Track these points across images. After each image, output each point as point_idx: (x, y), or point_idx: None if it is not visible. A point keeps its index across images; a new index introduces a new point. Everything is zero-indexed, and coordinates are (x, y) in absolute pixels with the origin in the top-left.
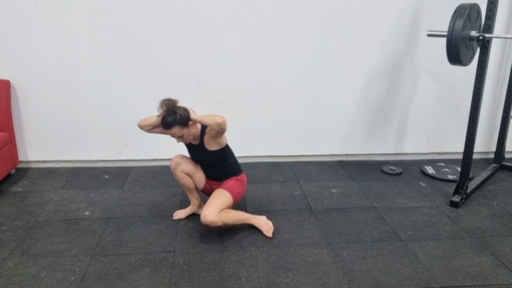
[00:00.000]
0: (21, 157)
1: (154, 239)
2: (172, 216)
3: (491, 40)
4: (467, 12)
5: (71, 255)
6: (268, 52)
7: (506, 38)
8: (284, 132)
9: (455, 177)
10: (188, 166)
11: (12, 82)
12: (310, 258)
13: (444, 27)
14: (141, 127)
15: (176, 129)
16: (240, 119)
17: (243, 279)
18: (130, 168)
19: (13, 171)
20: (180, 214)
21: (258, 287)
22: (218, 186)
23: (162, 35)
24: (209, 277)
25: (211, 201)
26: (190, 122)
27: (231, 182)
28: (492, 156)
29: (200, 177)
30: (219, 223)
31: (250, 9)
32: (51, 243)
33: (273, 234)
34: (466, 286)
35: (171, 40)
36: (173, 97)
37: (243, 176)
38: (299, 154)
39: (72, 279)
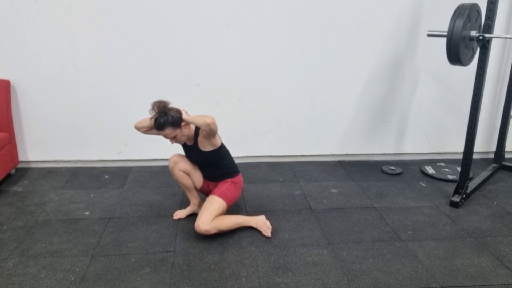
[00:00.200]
0: (21, 157)
1: (154, 239)
2: (172, 216)
3: (491, 40)
4: (467, 12)
5: (71, 255)
6: (268, 52)
7: (506, 38)
8: (284, 132)
9: (455, 177)
10: (186, 165)
11: (12, 82)
12: (310, 258)
13: (444, 27)
14: (138, 129)
15: (169, 130)
16: (240, 119)
17: (243, 279)
18: (130, 168)
19: (13, 171)
20: (180, 214)
21: (258, 287)
22: (214, 187)
23: (162, 35)
24: (209, 277)
25: (204, 210)
26: (183, 123)
27: (225, 185)
28: (492, 156)
29: (198, 176)
30: (214, 231)
31: (250, 9)
32: (51, 243)
33: (273, 234)
34: (466, 286)
35: (171, 40)
36: (165, 98)
37: (239, 178)
38: (299, 154)
39: (72, 279)
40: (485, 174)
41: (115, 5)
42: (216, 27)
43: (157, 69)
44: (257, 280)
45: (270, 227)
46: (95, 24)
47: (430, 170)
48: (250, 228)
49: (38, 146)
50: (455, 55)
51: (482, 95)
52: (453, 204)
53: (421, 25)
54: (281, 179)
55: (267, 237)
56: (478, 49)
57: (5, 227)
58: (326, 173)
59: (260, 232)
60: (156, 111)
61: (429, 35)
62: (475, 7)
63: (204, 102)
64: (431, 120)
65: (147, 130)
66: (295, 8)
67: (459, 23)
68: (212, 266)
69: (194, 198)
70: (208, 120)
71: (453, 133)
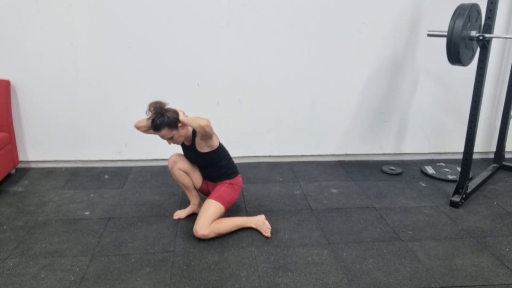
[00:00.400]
0: (21, 157)
1: (154, 239)
2: (172, 216)
3: (491, 40)
4: (467, 12)
5: (71, 255)
6: (268, 52)
7: (506, 38)
8: (284, 132)
9: (455, 177)
10: (185, 164)
11: (12, 82)
12: (310, 258)
13: (444, 27)
14: (138, 128)
15: (165, 131)
16: (240, 119)
17: (243, 279)
18: (130, 168)
19: (13, 171)
20: (180, 214)
21: (258, 287)
22: (213, 188)
23: (162, 35)
24: (209, 277)
25: (201, 214)
26: (180, 124)
27: (223, 188)
28: (492, 156)
29: (197, 176)
30: (212, 235)
31: (250, 9)
32: (51, 243)
33: (273, 234)
34: (466, 286)
35: (171, 40)
36: (163, 99)
37: (237, 179)
38: (299, 154)
39: (72, 279)
40: (485, 174)
41: (115, 5)
42: (216, 27)
43: (157, 69)
44: (257, 280)
45: (270, 227)
46: (95, 24)
47: (430, 170)
48: (250, 228)
49: (38, 146)
50: (455, 55)
51: (482, 95)
52: (453, 204)
53: (421, 25)
54: (281, 179)
55: (267, 237)
56: (478, 49)
57: (5, 227)
58: (326, 173)
59: (260, 232)
60: (153, 112)
61: (429, 35)
62: (475, 7)
63: (204, 102)
64: (431, 120)
65: (146, 130)
66: (295, 8)
67: (459, 23)
68: (212, 266)
69: (194, 198)
70: (202, 123)
71: (453, 133)
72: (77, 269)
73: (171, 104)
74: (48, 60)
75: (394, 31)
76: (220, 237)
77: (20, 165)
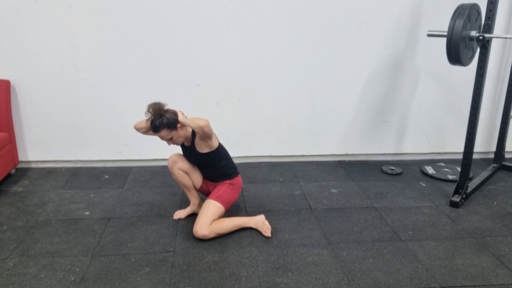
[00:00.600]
0: (21, 157)
1: (154, 239)
2: (172, 216)
3: (491, 40)
4: (467, 12)
5: (71, 255)
6: (268, 52)
7: (506, 38)
8: (284, 132)
9: (455, 177)
10: (185, 164)
11: (12, 82)
12: (310, 258)
13: (444, 27)
14: (137, 129)
15: (164, 132)
16: (240, 119)
17: (243, 279)
18: (130, 168)
19: (13, 171)
20: (180, 214)
21: (258, 287)
22: (214, 188)
23: (162, 35)
24: (209, 277)
25: (201, 214)
26: (179, 125)
27: (223, 188)
28: (492, 156)
29: (197, 175)
30: (212, 235)
31: (250, 9)
32: (51, 243)
33: (273, 234)
34: (466, 286)
35: (171, 40)
36: (162, 99)
37: (237, 180)
38: (299, 154)
39: (72, 279)
40: (485, 174)
41: (115, 5)
42: (216, 27)
43: (157, 69)
44: (257, 280)
45: (270, 227)
46: (95, 24)
47: (430, 170)
48: (250, 228)
49: (38, 146)
50: (455, 55)
51: (482, 95)
52: (453, 204)
53: (421, 25)
54: (281, 179)
55: (267, 237)
56: (478, 49)
57: (5, 227)
58: (326, 173)
59: (260, 232)
60: (152, 113)
61: (429, 35)
62: (475, 7)
63: (204, 102)
64: (431, 120)
65: (146, 131)
66: (295, 8)
67: (459, 23)
68: (212, 266)
69: (194, 198)
70: (201, 123)
71: (453, 133)
72: (77, 269)
73: (170, 105)
74: (48, 60)
75: (394, 31)
76: (220, 237)
77: (20, 165)
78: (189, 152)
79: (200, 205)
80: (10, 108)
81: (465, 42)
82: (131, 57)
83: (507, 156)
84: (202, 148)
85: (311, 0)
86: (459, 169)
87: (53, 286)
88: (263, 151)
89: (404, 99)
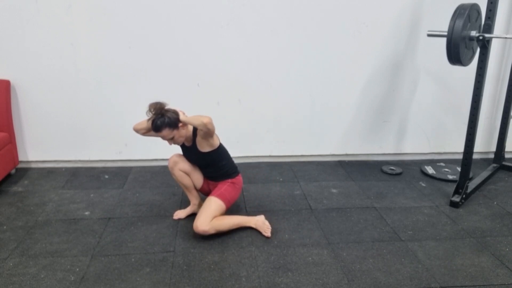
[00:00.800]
0: (21, 157)
1: (154, 239)
2: (172, 216)
3: (491, 40)
4: (467, 12)
5: (71, 255)
6: (268, 52)
7: (506, 38)
8: (284, 132)
9: (455, 177)
10: (186, 165)
11: (12, 82)
12: (310, 258)
13: (444, 27)
14: (137, 130)
15: (166, 132)
16: (240, 119)
17: (243, 279)
18: (130, 168)
19: (13, 171)
20: (180, 214)
21: (258, 287)
22: (214, 187)
23: (162, 35)
24: (209, 277)
25: (202, 210)
26: (180, 124)
27: (224, 186)
28: (492, 156)
29: (198, 176)
30: (212, 231)
31: (250, 9)
32: (51, 243)
33: (273, 234)
34: (466, 286)
35: (171, 40)
36: (163, 99)
37: (238, 179)
38: (299, 154)
39: (72, 279)
40: (485, 174)
41: (115, 5)
42: (216, 27)
43: (157, 69)
44: (257, 280)
45: (270, 227)
46: (95, 24)
47: (430, 170)
48: (250, 228)
49: (38, 146)
50: (455, 55)
51: (482, 95)
52: (453, 204)
53: (421, 25)
54: (281, 179)
55: (267, 237)
56: (478, 49)
57: (5, 227)
58: (326, 173)
59: (260, 232)
60: (153, 112)
61: (429, 35)
62: (475, 7)
63: (204, 102)
64: (431, 120)
65: (146, 132)
66: (295, 8)
67: (459, 23)
68: (212, 266)
69: (194, 198)
70: (205, 120)
71: (453, 133)
72: (77, 269)
73: (171, 104)
74: (48, 60)
75: (394, 31)
76: (220, 237)
77: (20, 165)
78: (190, 152)
79: (200, 205)
80: (10, 108)
81: (465, 42)
82: (131, 57)
83: (507, 156)
84: (204, 147)
85: (311, 0)
86: (459, 169)
87: (53, 286)
88: (263, 151)
89: (404, 99)
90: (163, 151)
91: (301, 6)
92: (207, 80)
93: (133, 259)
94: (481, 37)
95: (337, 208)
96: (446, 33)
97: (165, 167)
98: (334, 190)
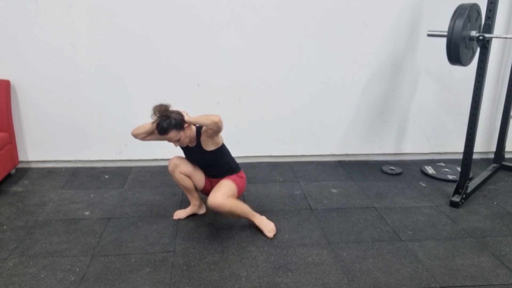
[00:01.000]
0: (21, 157)
1: (154, 239)
2: (172, 216)
3: (491, 40)
4: (467, 12)
5: (71, 255)
6: (268, 52)
7: (506, 38)
8: (284, 132)
9: (455, 177)
10: (187, 167)
11: (12, 82)
12: (310, 258)
13: (444, 27)
14: (135, 135)
15: (173, 133)
16: (240, 119)
17: (243, 279)
18: (130, 168)
19: (13, 171)
20: (180, 214)
21: (258, 287)
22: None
23: (162, 35)
24: (209, 277)
25: (218, 188)
26: (185, 125)
27: (232, 177)
28: (492, 156)
29: (199, 177)
30: (227, 208)
31: (250, 9)
32: (51, 243)
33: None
34: (466, 286)
35: (171, 40)
36: (165, 101)
37: (242, 173)
38: (299, 154)
39: (72, 279)
40: (485, 174)
41: (115, 5)
42: (216, 27)
43: (157, 69)
44: (257, 280)
45: (275, 230)
46: (95, 24)
47: (430, 170)
48: (250, 228)
49: (38, 146)
50: (455, 55)
51: (482, 95)
52: (453, 204)
53: (421, 25)
54: (281, 179)
55: (267, 237)
56: (478, 49)
57: (5, 227)
58: (326, 173)
59: (260, 232)
60: (158, 115)
61: (429, 35)
62: (475, 7)
63: (204, 102)
64: (431, 120)
65: (146, 136)
66: (295, 8)
67: (459, 23)
68: (212, 266)
69: (194, 199)
70: (216, 119)
71: (453, 133)
72: (77, 269)
73: (172, 105)
74: (48, 60)
75: (394, 31)
76: (220, 237)
77: (20, 165)
78: (194, 152)
79: (200, 206)
80: (10, 108)
81: (465, 42)
82: (131, 57)
83: (507, 156)
84: (209, 146)
85: (311, 0)
86: (459, 169)
87: (53, 286)
88: (263, 151)
89: (404, 99)
90: (163, 151)
91: (301, 6)
92: (207, 80)
93: (133, 259)
94: (481, 37)
95: (337, 208)
96: (446, 33)
97: (165, 167)
98: (334, 190)
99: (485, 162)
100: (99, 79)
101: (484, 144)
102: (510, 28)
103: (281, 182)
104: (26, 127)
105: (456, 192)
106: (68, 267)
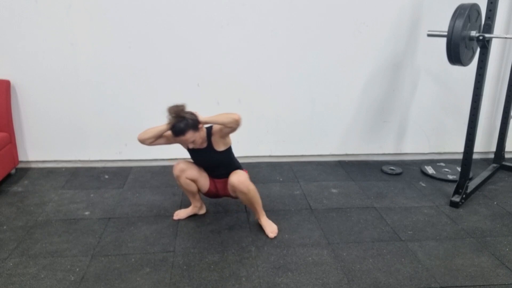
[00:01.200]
0: (21, 157)
1: (154, 239)
2: (172, 216)
3: (491, 40)
4: (467, 12)
5: (71, 255)
6: (268, 52)
7: (506, 38)
8: (284, 132)
9: (455, 177)
10: (193, 172)
11: (12, 82)
12: (310, 258)
13: (444, 27)
14: (142, 140)
15: (190, 134)
16: None
17: (243, 279)
18: (130, 168)
19: (13, 171)
20: (180, 214)
21: (258, 287)
22: (223, 185)
23: (162, 35)
24: (209, 277)
25: (236, 173)
26: (200, 125)
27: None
28: (492, 156)
29: (204, 181)
30: (250, 188)
31: (250, 9)
32: (51, 243)
33: None
34: (466, 286)
35: (171, 40)
36: (179, 102)
37: (246, 172)
38: (299, 154)
39: (72, 279)
40: (485, 174)
41: (115, 5)
42: (216, 27)
43: (157, 69)
44: (257, 280)
45: (277, 232)
46: (95, 24)
47: (430, 170)
48: (250, 228)
49: (38, 146)
50: (455, 55)
51: (482, 95)
52: (453, 204)
53: (421, 25)
54: (281, 179)
55: (267, 237)
56: (478, 49)
57: (5, 227)
58: (326, 173)
59: (261, 232)
60: (174, 115)
61: (429, 35)
62: (475, 7)
63: (204, 102)
64: (431, 120)
65: (154, 140)
66: (295, 8)
67: (459, 23)
68: (212, 266)
69: (196, 201)
70: (237, 117)
71: (453, 133)
72: (77, 269)
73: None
74: (48, 60)
75: (394, 31)
76: (220, 237)
77: (20, 165)
78: (204, 154)
79: (201, 207)
80: (10, 108)
81: (465, 42)
82: (131, 57)
83: (507, 156)
84: (220, 146)
85: (311, 0)
86: (459, 169)
87: (53, 286)
88: (263, 151)
89: (404, 99)
90: (163, 151)
91: (301, 6)
92: (207, 80)
93: (133, 259)
94: (481, 37)
95: (337, 208)
96: (446, 33)
97: (165, 167)
98: (334, 190)
99: (485, 162)
100: (99, 79)
101: (484, 144)
102: (510, 28)
103: (281, 182)
104: (26, 127)
105: (456, 192)
106: (68, 267)
